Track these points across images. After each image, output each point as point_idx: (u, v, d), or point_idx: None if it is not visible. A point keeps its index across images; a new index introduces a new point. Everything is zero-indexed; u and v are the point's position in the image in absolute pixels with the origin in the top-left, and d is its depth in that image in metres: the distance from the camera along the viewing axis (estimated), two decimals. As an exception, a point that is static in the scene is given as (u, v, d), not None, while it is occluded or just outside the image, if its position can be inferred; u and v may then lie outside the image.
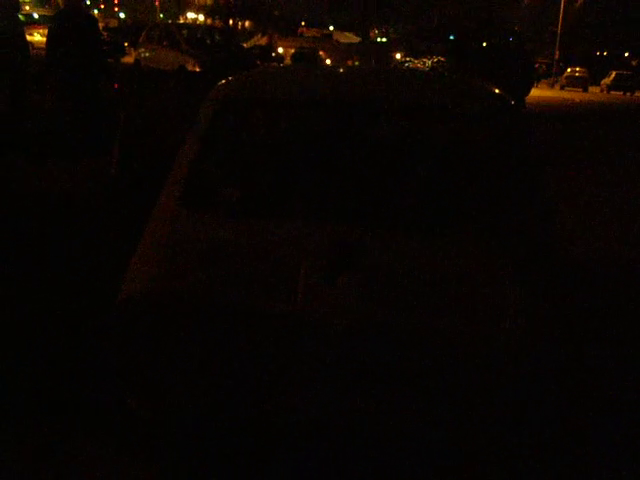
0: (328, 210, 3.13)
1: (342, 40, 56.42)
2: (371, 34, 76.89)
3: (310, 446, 3.18)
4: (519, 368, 2.81)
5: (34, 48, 18.53)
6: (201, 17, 74.59)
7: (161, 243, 3.09)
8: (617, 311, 4.88)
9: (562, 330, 2.91)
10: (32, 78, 11.08)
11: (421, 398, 2.91)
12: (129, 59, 28.88)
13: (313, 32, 61.65)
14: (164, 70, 20.42)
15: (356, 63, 40.62)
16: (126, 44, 35.47)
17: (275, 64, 33.86)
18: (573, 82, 52.05)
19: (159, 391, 3.14)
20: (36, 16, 35.78)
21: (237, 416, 3.16)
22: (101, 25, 18.14)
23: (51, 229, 5.92)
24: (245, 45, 34.90)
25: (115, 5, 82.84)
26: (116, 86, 11.07)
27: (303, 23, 74.12)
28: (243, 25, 68.53)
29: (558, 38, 59.38)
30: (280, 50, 45.56)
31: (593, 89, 52.06)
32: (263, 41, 45.31)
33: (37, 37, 29.45)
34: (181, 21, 65.11)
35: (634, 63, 65.12)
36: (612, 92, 49.71)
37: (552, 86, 53.68)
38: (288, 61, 41.18)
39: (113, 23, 54.88)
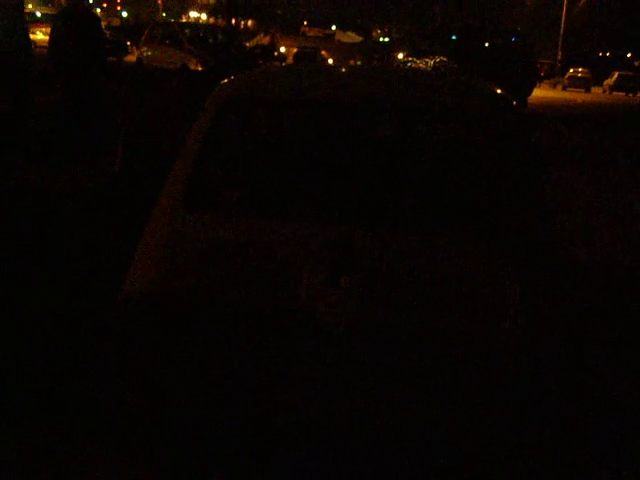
0: (330, 210, 3.13)
1: (344, 40, 56.42)
2: (373, 34, 76.86)
3: (310, 446, 3.18)
4: (519, 368, 2.81)
5: (37, 47, 18.55)
6: (204, 16, 74.64)
7: (162, 243, 3.09)
8: (617, 311, 4.87)
9: (562, 330, 2.91)
10: (35, 77, 11.08)
11: (421, 398, 2.92)
12: (131, 58, 28.90)
13: (315, 31, 61.61)
14: (166, 69, 20.44)
15: (358, 63, 40.59)
16: (129, 43, 35.52)
17: (277, 63, 33.86)
18: (575, 83, 52.00)
19: (159, 391, 3.14)
20: (39, 14, 35.81)
21: (237, 416, 3.16)
22: (103, 24, 18.10)
23: (51, 228, 5.92)
24: (247, 44, 34.88)
25: (118, 4, 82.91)
26: (116, 88, 11.05)
27: (305, 22, 74.07)
28: (246, 24, 68.52)
29: (561, 38, 59.38)
30: (282, 49, 45.56)
31: (595, 90, 52.02)
32: (266, 40, 45.35)
33: (40, 36, 29.48)
34: (184, 20, 65.09)
35: (637, 64, 65.08)
36: (614, 93, 49.69)
37: (554, 86, 53.63)
38: (290, 60, 41.17)
39: (115, 22, 54.98)
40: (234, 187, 3.41)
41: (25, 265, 5.15)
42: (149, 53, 23.09)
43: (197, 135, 3.24)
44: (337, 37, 57.40)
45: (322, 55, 42.78)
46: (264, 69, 6.67)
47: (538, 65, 40.73)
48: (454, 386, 2.87)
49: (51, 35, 9.63)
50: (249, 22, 67.83)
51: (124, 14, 74.82)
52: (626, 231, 7.73)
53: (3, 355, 4.01)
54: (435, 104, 3.25)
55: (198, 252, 3.05)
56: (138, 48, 25.55)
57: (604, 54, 70.65)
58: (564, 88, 51.60)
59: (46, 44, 10.04)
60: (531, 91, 25.43)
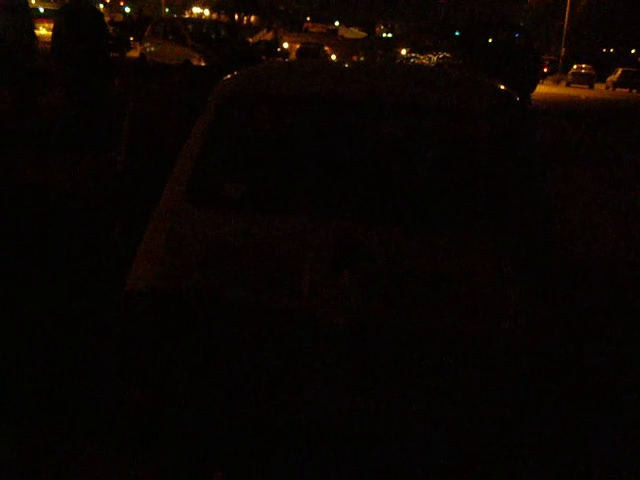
0: (332, 207, 3.13)
1: (348, 35, 56.43)
2: (377, 29, 76.81)
3: (310, 446, 3.18)
4: (519, 368, 2.81)
5: (40, 42, 18.52)
6: (207, 12, 74.50)
7: (164, 238, 3.09)
8: (617, 311, 4.86)
9: (562, 330, 2.90)
10: (38, 72, 11.07)
11: (421, 397, 2.91)
12: (134, 54, 28.86)
13: (318, 27, 61.64)
14: (169, 65, 20.45)
15: (361, 59, 40.58)
16: (132, 39, 35.47)
17: (280, 59, 33.84)
18: (579, 79, 51.95)
19: (160, 388, 3.13)
20: (42, 10, 35.82)
21: (237, 415, 3.16)
22: (106, 19, 18.06)
23: (53, 226, 5.92)
24: (251, 40, 34.90)
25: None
26: (116, 82, 11.01)
27: (308, 18, 74.04)
28: (249, 20, 68.40)
29: (564, 35, 59.25)
30: (285, 45, 45.56)
31: (599, 86, 51.92)
32: (269, 36, 45.34)
33: (43, 31, 29.50)
34: (187, 16, 65.02)
35: (640, 60, 64.94)
36: (618, 89, 49.59)
37: (558, 83, 53.54)
38: (293, 56, 41.15)
39: (119, 17, 54.85)
40: (237, 182, 3.41)
41: (26, 263, 5.15)
42: (152, 49, 23.09)
43: (200, 131, 3.24)
44: (340, 33, 57.44)
45: (325, 51, 42.78)
46: (267, 65, 6.67)
47: (542, 61, 40.63)
48: (454, 386, 2.87)
49: (54, 31, 9.62)
50: (252, 18, 67.71)
51: (127, 10, 74.71)
52: (629, 228, 7.73)
53: (3, 355, 4.01)
54: (438, 101, 3.24)
55: (201, 247, 3.05)
56: (141, 44, 25.54)
57: (608, 50, 70.48)
58: (568, 84, 51.51)
59: (49, 40, 10.03)
60: (534, 87, 25.40)
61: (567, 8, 58.20)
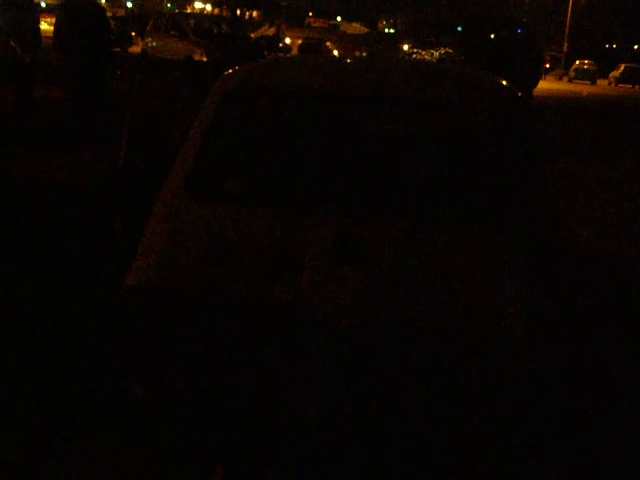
0: (333, 201, 3.12)
1: (350, 31, 56.44)
2: (379, 25, 76.75)
3: (310, 443, 3.17)
4: (520, 367, 2.79)
5: (42, 37, 18.52)
6: (208, 7, 74.50)
7: (165, 233, 3.09)
8: (618, 309, 4.85)
9: (562, 329, 2.89)
10: (35, 66, 11.05)
11: (421, 396, 2.90)
12: (136, 49, 28.84)
13: (320, 23, 61.63)
14: (171, 60, 20.43)
15: (364, 54, 40.58)
16: (133, 34, 35.42)
17: (282, 55, 33.84)
18: (581, 75, 51.90)
19: (162, 383, 3.13)
20: (44, 5, 35.82)
21: (238, 411, 3.15)
22: (108, 14, 18.06)
23: (54, 222, 5.92)
24: (252, 35, 34.85)
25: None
26: (118, 72, 10.99)
27: (311, 14, 73.99)
28: (251, 15, 68.40)
29: (567, 31, 59.20)
30: (287, 41, 45.53)
31: (601, 82, 51.91)
32: (270, 31, 45.26)
33: (45, 26, 29.46)
34: (188, 11, 64.98)
35: (643, 56, 64.87)
36: (620, 85, 49.58)
37: (560, 78, 53.51)
38: (295, 51, 41.15)
39: (120, 12, 54.80)
40: (238, 177, 3.41)
41: (27, 260, 5.15)
42: (154, 44, 23.08)
43: (201, 126, 3.24)
44: (342, 28, 57.43)
45: (327, 46, 42.77)
46: (269, 60, 6.65)
47: (544, 57, 40.61)
48: (454, 385, 2.85)
49: (55, 25, 9.62)
50: (254, 13, 67.72)
51: (129, 5, 74.68)
52: (631, 222, 7.73)
53: (3, 355, 4.01)
54: (440, 96, 3.23)
55: (201, 243, 3.04)
56: (143, 39, 25.53)
57: (610, 46, 70.45)
58: (570, 80, 51.48)
59: (51, 34, 10.02)
60: (537, 83, 25.40)
61: (570, 3, 58.15)
